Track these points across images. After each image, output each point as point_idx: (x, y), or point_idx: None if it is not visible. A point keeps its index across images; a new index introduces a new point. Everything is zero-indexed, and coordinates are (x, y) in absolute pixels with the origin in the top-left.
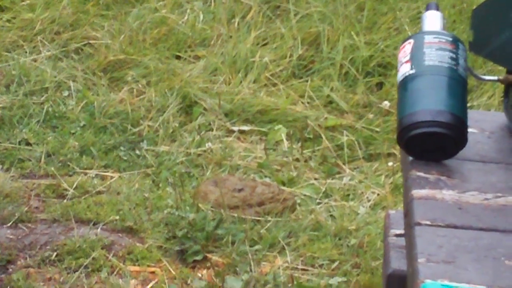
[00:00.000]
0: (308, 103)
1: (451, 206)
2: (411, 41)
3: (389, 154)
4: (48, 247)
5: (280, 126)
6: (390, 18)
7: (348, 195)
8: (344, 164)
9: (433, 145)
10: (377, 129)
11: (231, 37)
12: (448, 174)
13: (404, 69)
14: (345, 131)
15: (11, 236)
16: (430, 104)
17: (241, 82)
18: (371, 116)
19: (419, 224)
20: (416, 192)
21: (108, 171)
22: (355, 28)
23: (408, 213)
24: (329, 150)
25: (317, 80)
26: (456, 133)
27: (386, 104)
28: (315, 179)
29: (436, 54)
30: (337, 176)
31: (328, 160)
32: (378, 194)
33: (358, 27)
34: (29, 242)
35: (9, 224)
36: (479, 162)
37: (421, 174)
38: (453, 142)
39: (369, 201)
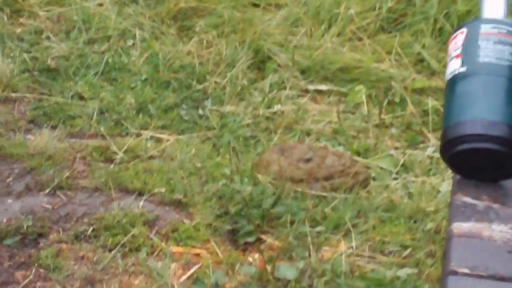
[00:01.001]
0: (396, 60)
1: (500, 248)
2: (464, 30)
3: None
4: (85, 220)
5: (361, 86)
6: None
7: (430, 169)
8: (429, 132)
9: (485, 162)
10: None
11: None
12: (503, 201)
13: (454, 66)
14: (433, 95)
15: (47, 205)
16: (482, 112)
17: (323, 35)
18: None
19: (455, 273)
20: (458, 227)
21: (164, 133)
22: None
23: (445, 254)
24: (414, 115)
25: (407, 36)
26: None
27: None
28: (395, 148)
29: (494, 49)
30: (420, 146)
31: (412, 127)
32: None
33: None
34: (65, 213)
35: (46, 191)
36: None
37: (468, 199)
38: (510, 160)
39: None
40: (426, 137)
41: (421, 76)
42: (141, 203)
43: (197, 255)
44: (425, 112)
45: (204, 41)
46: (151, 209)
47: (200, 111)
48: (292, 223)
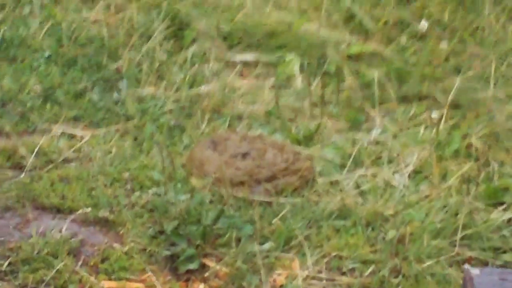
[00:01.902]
0: (326, 18)
1: None
2: None
3: (426, 97)
4: None
5: (292, 55)
6: None
7: (380, 158)
8: (372, 108)
9: None
10: (412, 60)
11: None
12: None
13: None
14: (372, 63)
15: None
16: None
17: None
18: (403, 39)
19: None
20: None
21: (78, 126)
22: None
23: None
24: (353, 89)
25: None
26: None
27: (424, 25)
28: (338, 131)
29: None
30: (364, 125)
31: (353, 103)
32: (418, 157)
33: None
34: None
35: None
36: None
37: None
38: None
39: (407, 166)
40: (369, 115)
41: (356, 39)
42: (64, 226)
43: None
44: (366, 85)
45: (112, 6)
46: (74, 231)
47: (115, 95)
48: (237, 239)
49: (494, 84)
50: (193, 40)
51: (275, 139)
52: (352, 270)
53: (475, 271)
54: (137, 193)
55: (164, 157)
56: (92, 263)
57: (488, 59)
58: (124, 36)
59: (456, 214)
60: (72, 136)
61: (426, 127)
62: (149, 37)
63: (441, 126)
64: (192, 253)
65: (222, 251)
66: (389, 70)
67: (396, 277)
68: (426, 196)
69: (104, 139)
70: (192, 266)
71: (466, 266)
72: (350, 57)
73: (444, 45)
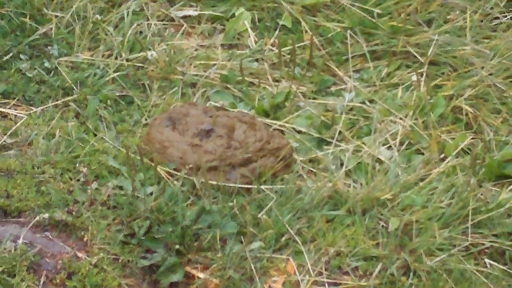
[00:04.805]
0: None
1: None
2: None
3: (398, 52)
4: None
5: (242, 9)
6: None
7: (360, 127)
8: (338, 68)
9: None
10: (378, 10)
11: None
12: None
13: None
14: (331, 15)
15: None
16: None
17: None
18: None
19: None
20: None
21: (10, 103)
22: None
23: None
24: (316, 46)
25: None
26: None
27: None
28: (306, 97)
29: None
30: (333, 89)
31: (316, 62)
32: (403, 126)
33: None
34: None
35: None
36: None
37: None
38: None
39: (394, 139)
40: (337, 75)
41: None
42: (20, 240)
43: None
44: (327, 41)
45: None
46: (28, 239)
47: (47, 63)
48: (221, 240)
49: (472, 36)
50: None
51: (240, 111)
52: (355, 268)
53: None
54: (94, 186)
55: (115, 138)
56: (57, 280)
57: (461, 9)
58: None
59: (463, 198)
60: (5, 116)
61: (403, 89)
62: None
63: (422, 88)
64: (174, 261)
65: (207, 256)
66: (352, 23)
67: (405, 274)
68: (425, 176)
69: (43, 118)
70: (176, 277)
71: None
72: (305, 8)
73: None
